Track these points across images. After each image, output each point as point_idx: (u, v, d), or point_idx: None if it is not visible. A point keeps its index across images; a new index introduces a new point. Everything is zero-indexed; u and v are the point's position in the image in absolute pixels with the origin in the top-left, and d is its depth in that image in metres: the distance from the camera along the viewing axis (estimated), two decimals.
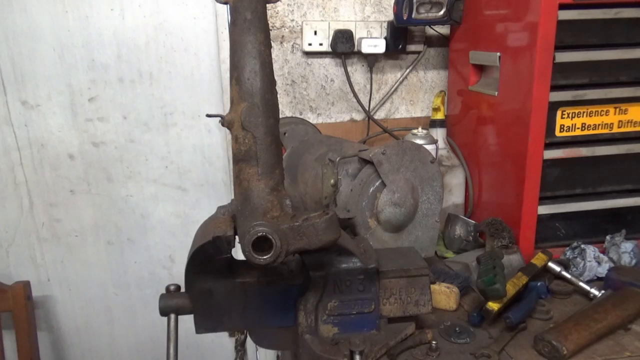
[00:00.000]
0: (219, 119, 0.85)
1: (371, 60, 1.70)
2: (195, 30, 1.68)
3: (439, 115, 1.63)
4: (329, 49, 1.68)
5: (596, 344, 1.00)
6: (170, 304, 0.91)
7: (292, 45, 1.70)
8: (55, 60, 1.62)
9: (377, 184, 1.17)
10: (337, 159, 1.19)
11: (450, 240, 1.43)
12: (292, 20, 1.67)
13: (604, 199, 1.33)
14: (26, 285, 1.69)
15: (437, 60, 1.80)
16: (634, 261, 1.25)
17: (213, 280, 0.90)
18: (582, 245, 1.27)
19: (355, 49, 1.67)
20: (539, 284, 1.16)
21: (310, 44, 1.66)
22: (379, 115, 1.81)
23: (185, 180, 1.81)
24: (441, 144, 1.57)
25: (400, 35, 1.69)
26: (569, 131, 1.27)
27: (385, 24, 1.69)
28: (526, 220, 1.29)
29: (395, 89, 1.80)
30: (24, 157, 1.69)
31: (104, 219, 1.79)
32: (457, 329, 1.05)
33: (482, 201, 1.52)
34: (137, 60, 1.67)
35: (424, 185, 1.20)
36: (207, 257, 0.87)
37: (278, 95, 0.86)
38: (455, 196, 1.56)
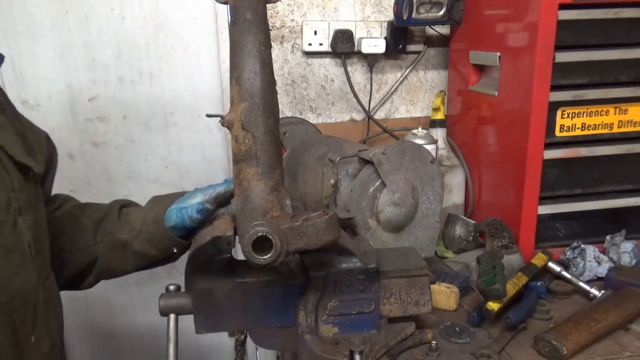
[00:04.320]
0: (219, 119, 0.86)
1: (371, 60, 1.70)
2: (195, 30, 1.68)
3: (439, 115, 1.63)
4: (329, 49, 1.68)
5: (596, 344, 1.00)
6: (170, 304, 0.91)
7: (292, 45, 1.70)
8: (55, 60, 1.62)
9: (377, 184, 1.17)
10: (337, 159, 1.19)
11: (450, 240, 1.43)
12: (292, 20, 1.67)
13: (604, 199, 1.33)
14: None
15: (437, 60, 1.80)
16: (634, 261, 1.25)
17: (213, 280, 0.90)
18: (582, 245, 1.27)
19: (355, 49, 1.67)
20: (539, 284, 1.16)
21: (310, 44, 1.66)
22: (379, 115, 1.81)
23: (186, 180, 1.81)
24: (441, 144, 1.57)
25: (400, 35, 1.69)
26: (569, 131, 1.27)
27: (385, 24, 1.69)
28: (526, 220, 1.29)
29: (395, 89, 1.80)
30: None
31: None
32: (457, 329, 1.05)
33: (482, 201, 1.52)
34: (137, 60, 1.67)
35: (424, 185, 1.20)
36: (207, 257, 0.87)
37: (278, 95, 0.86)
38: (455, 196, 1.56)
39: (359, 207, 1.16)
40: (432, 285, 1.00)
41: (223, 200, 1.01)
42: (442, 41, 1.75)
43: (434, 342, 0.98)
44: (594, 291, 1.16)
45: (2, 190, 0.80)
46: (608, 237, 1.31)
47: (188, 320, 0.92)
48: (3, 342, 0.79)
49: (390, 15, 1.69)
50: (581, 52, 1.22)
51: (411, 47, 1.73)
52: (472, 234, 1.38)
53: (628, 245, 1.27)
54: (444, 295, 1.14)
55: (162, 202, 1.03)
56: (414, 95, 1.82)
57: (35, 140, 0.92)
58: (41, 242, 0.89)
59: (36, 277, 0.85)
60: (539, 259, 1.21)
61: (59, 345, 0.95)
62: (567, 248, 1.30)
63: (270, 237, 0.74)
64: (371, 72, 1.73)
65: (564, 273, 1.21)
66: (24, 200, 0.84)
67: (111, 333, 1.91)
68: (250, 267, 0.81)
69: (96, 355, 1.92)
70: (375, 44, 1.63)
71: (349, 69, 1.72)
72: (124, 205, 1.07)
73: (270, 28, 1.63)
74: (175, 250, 1.02)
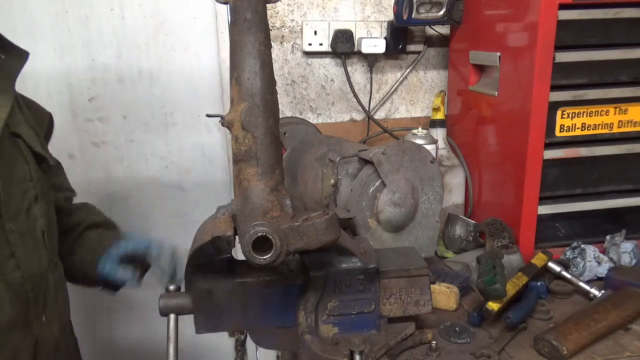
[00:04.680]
0: (219, 119, 0.86)
1: (371, 60, 1.70)
2: (195, 30, 1.68)
3: (439, 115, 1.63)
4: (329, 49, 1.68)
5: (596, 344, 1.00)
6: (170, 304, 0.91)
7: (292, 45, 1.70)
8: (55, 60, 1.62)
9: (377, 184, 1.17)
10: (337, 159, 1.19)
11: (450, 240, 1.43)
12: (292, 20, 1.67)
13: (604, 199, 1.33)
14: None
15: (437, 60, 1.80)
16: (634, 261, 1.25)
17: (213, 280, 0.90)
18: (582, 245, 1.27)
19: (355, 49, 1.67)
20: (539, 284, 1.16)
21: (310, 44, 1.66)
22: (379, 115, 1.81)
23: (185, 180, 1.81)
24: (441, 144, 1.57)
25: (400, 35, 1.69)
26: (569, 131, 1.27)
27: (385, 24, 1.69)
28: (526, 220, 1.29)
29: (395, 89, 1.79)
30: None
31: None
32: (457, 329, 1.05)
33: (482, 201, 1.52)
34: (137, 60, 1.67)
35: (424, 185, 1.20)
36: (207, 257, 0.87)
37: (278, 95, 0.86)
38: (455, 196, 1.56)
39: (359, 207, 1.16)
40: (432, 285, 1.00)
41: (144, 259, 1.09)
42: (442, 41, 1.75)
43: (434, 342, 0.98)
44: (594, 291, 1.16)
45: (21, 179, 0.87)
46: (608, 237, 1.31)
47: (188, 320, 0.92)
48: (14, 318, 0.85)
49: (390, 15, 1.69)
50: (581, 52, 1.22)
51: (411, 47, 1.73)
52: (472, 234, 1.38)
53: (628, 245, 1.27)
54: (444, 295, 1.14)
55: (106, 241, 1.08)
56: (414, 95, 1.82)
57: (40, 127, 0.99)
58: (53, 230, 0.95)
59: (47, 262, 0.92)
60: (539, 259, 1.21)
61: (69, 328, 1.03)
62: (567, 248, 1.30)
63: (270, 237, 0.74)
64: (371, 72, 1.73)
65: (564, 273, 1.21)
66: (39, 189, 0.90)
67: (111, 333, 1.91)
68: (250, 267, 0.81)
69: (96, 356, 1.92)
70: (375, 44, 1.63)
71: (349, 69, 1.72)
72: (90, 227, 1.12)
73: (270, 28, 1.63)
74: (101, 289, 1.09)
